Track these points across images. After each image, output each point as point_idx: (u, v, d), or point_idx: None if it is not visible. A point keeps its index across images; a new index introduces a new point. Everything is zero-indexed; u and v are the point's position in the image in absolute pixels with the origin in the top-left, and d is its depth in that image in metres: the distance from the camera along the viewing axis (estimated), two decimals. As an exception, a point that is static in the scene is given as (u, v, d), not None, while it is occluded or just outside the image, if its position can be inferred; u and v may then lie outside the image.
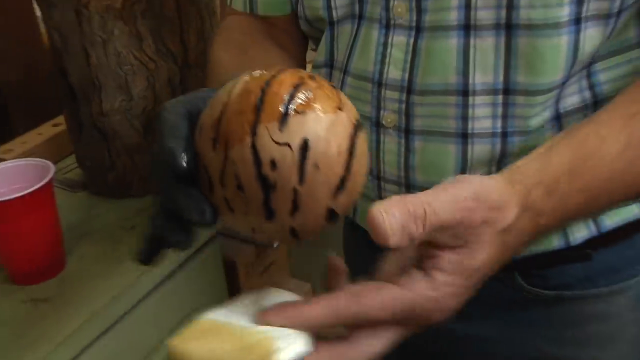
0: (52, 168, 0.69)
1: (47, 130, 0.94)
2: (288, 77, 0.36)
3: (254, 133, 0.34)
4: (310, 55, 0.66)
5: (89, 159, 0.85)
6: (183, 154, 0.36)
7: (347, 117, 0.36)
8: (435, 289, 0.36)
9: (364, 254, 0.69)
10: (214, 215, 0.37)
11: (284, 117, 0.34)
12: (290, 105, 0.34)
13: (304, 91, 0.35)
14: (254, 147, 0.34)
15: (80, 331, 0.65)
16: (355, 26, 0.54)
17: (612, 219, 0.54)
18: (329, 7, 0.55)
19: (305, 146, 0.34)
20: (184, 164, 0.36)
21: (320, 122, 0.35)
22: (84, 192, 0.88)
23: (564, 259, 0.55)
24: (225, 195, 0.36)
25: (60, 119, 0.93)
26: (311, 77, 0.36)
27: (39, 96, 1.00)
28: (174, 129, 0.37)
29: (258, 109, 0.34)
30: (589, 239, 0.54)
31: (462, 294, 0.37)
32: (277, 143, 0.34)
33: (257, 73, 0.37)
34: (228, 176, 0.35)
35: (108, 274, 0.72)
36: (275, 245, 0.98)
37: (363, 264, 0.77)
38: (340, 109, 0.36)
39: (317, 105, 0.35)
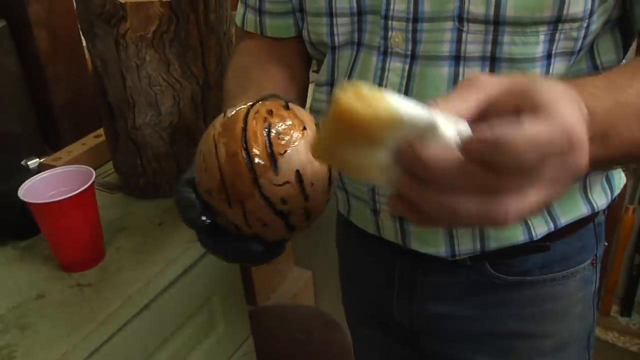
0: (94, 173, 0.71)
1: (90, 141, 0.94)
2: (257, 126, 0.37)
3: (258, 186, 0.36)
4: (311, 76, 0.66)
5: (124, 166, 0.86)
6: (202, 218, 0.39)
7: (310, 130, 0.38)
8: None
9: (356, 252, 0.70)
10: (262, 245, 0.39)
11: (274, 165, 0.36)
12: (274, 152, 0.36)
13: (274, 133, 0.37)
14: (263, 196, 0.37)
15: (118, 311, 0.67)
16: (355, 52, 0.54)
17: (566, 217, 0.55)
18: (331, 34, 0.55)
19: (299, 176, 0.37)
20: (206, 223, 0.39)
21: (300, 151, 0.37)
22: (120, 193, 0.89)
23: (527, 251, 0.56)
24: (254, 232, 0.39)
25: (101, 131, 0.94)
26: (270, 113, 0.37)
27: (83, 112, 0.98)
28: (186, 202, 0.40)
29: (251, 167, 0.36)
30: (548, 234, 0.55)
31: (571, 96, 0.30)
32: (278, 185, 0.36)
33: (228, 130, 0.38)
34: (252, 220, 0.38)
35: (140, 263, 0.73)
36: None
37: (353, 255, 0.80)
38: (304, 127, 0.37)
39: (290, 139, 0.37)
